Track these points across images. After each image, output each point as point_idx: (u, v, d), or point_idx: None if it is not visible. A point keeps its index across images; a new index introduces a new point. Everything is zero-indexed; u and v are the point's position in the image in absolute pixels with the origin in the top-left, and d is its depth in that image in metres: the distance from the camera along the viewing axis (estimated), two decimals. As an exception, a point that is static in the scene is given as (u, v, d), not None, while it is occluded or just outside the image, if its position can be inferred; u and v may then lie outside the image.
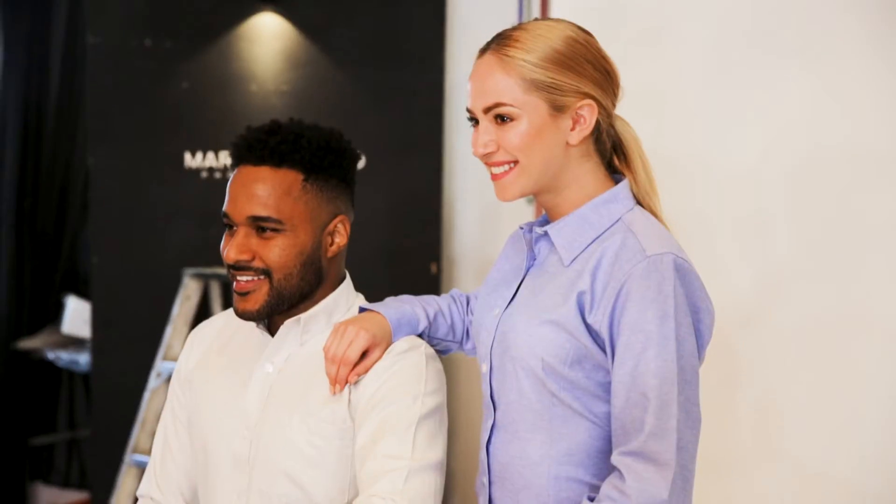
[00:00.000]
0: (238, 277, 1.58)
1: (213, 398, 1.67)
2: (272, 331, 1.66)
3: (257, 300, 1.57)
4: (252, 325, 1.68)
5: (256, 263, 1.56)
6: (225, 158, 3.48)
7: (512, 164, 1.45)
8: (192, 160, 3.49)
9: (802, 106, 2.30)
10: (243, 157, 1.59)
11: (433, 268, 3.49)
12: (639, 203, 1.50)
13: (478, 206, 3.50)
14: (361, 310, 1.63)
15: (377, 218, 3.48)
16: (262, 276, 1.56)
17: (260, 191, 1.55)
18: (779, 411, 2.35)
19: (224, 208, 1.59)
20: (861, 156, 2.19)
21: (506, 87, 1.42)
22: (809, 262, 2.30)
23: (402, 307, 1.62)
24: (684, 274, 1.38)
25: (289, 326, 1.62)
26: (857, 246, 2.21)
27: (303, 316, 1.62)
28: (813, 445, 2.29)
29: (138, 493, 1.76)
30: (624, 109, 1.54)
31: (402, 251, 3.51)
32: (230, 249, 1.56)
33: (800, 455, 2.31)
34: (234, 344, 1.71)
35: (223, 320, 1.78)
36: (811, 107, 2.29)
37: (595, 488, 1.43)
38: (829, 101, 2.25)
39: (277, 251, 1.55)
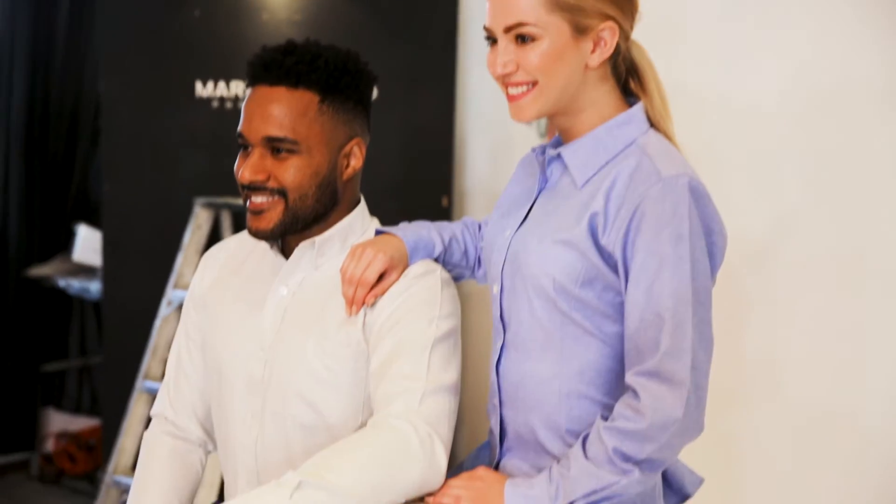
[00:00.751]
0: (252, 197, 1.57)
1: (228, 320, 1.67)
2: (286, 253, 1.66)
3: (271, 219, 1.57)
4: (265, 247, 1.69)
5: (271, 184, 1.55)
6: (236, 88, 3.46)
7: (530, 86, 1.44)
8: (203, 89, 3.46)
9: (819, 43, 2.28)
10: (259, 76, 1.57)
11: (444, 201, 3.49)
12: (653, 126, 1.49)
13: (489, 140, 3.49)
14: (378, 233, 1.64)
15: (388, 151, 3.46)
16: (276, 196, 1.56)
17: (276, 111, 1.54)
18: (785, 346, 2.37)
19: (239, 128, 1.58)
20: (875, 95, 2.17)
21: (528, 6, 1.40)
22: (819, 199, 2.29)
23: (418, 231, 1.62)
24: (699, 196, 1.38)
25: (303, 249, 1.62)
26: (866, 184, 2.20)
27: (317, 239, 1.62)
28: (818, 381, 2.31)
29: (152, 413, 1.78)
30: (639, 39, 1.53)
31: (412, 185, 3.50)
32: (245, 170, 1.56)
33: (804, 390, 2.33)
34: (247, 266, 1.72)
35: (236, 243, 1.78)
36: (828, 44, 2.26)
37: (606, 406, 1.45)
38: (846, 39, 2.23)
39: (293, 172, 1.55)
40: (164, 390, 1.77)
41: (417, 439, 1.40)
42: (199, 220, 3.36)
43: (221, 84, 3.46)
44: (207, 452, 1.77)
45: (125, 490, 3.25)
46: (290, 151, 1.55)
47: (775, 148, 2.37)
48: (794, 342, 2.35)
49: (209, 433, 1.75)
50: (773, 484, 2.39)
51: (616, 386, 1.45)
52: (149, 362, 3.30)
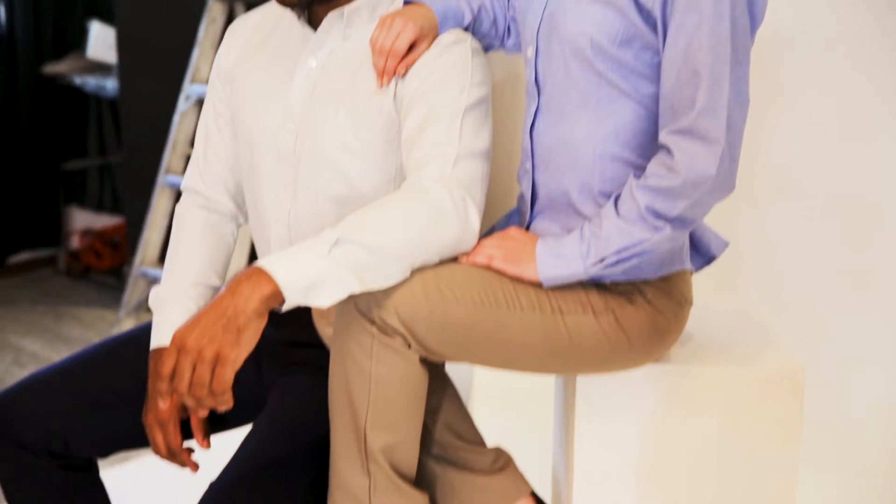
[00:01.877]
0: (280, -36, 1.55)
1: (256, 93, 1.67)
2: (314, 25, 1.64)
3: None
4: (291, 19, 1.66)
5: (299, -50, 1.52)
6: None
7: None
8: None
9: None
10: None
11: None
12: None
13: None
14: (406, 3, 1.61)
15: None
16: None
17: None
18: (799, 139, 2.36)
19: None
20: None
21: None
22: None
23: (447, 1, 1.59)
24: None
25: (331, 20, 1.60)
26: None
27: (346, 9, 1.60)
28: (830, 171, 2.31)
29: (182, 187, 1.80)
30: None
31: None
32: (272, -65, 1.52)
33: (818, 184, 2.34)
34: (274, 39, 1.70)
35: (261, 15, 1.75)
36: None
37: (640, 168, 1.46)
38: None
39: None
40: (194, 165, 1.78)
41: (451, 201, 1.43)
42: (214, 13, 3.30)
43: None
44: (238, 225, 1.80)
45: (152, 281, 3.34)
46: None
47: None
48: (811, 133, 2.35)
49: (240, 206, 1.77)
50: (776, 276, 2.43)
51: (650, 148, 1.45)
52: (170, 157, 3.33)
